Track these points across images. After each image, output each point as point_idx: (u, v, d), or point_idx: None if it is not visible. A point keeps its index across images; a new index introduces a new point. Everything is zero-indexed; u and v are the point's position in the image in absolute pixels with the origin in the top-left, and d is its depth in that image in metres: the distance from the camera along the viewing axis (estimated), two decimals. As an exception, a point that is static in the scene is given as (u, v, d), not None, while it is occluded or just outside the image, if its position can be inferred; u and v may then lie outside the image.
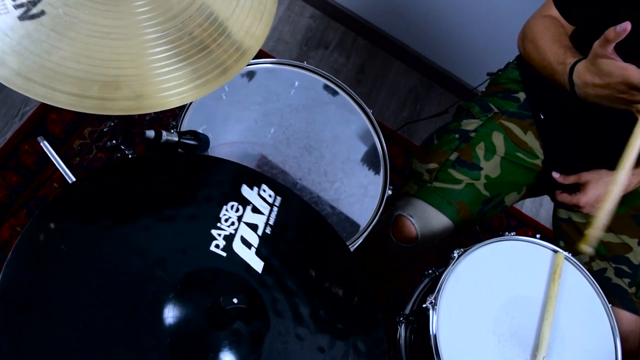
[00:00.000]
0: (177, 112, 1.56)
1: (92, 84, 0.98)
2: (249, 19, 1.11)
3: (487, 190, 1.64)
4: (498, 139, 1.66)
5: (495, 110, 1.70)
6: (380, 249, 1.75)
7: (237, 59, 1.08)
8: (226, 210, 1.21)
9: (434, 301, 1.37)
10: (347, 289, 1.28)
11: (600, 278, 1.58)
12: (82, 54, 0.98)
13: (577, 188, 1.61)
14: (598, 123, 1.63)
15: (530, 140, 1.68)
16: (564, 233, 1.72)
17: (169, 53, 1.01)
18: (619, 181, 1.33)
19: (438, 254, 2.35)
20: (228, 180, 1.27)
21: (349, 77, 2.76)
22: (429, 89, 2.90)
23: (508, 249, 1.50)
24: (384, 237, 1.68)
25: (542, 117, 1.68)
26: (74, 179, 1.22)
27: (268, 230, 1.24)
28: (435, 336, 1.34)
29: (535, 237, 1.53)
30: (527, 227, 2.67)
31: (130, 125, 1.49)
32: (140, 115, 2.18)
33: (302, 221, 1.34)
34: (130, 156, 1.52)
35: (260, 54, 1.84)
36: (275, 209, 1.28)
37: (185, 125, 1.53)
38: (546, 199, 2.76)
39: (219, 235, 1.17)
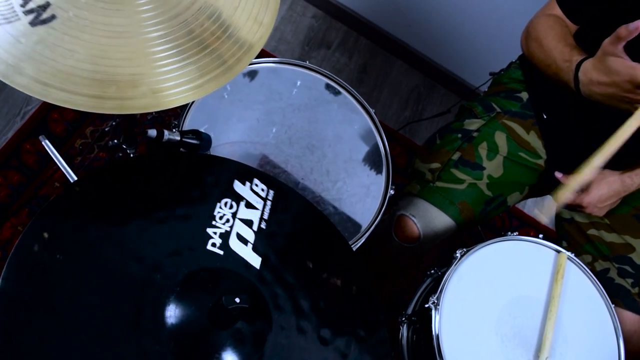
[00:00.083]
0: (179, 112, 1.56)
1: (110, 84, 0.98)
2: (251, 17, 1.10)
3: (490, 190, 1.64)
4: (501, 138, 1.65)
5: (498, 109, 1.69)
6: (382, 249, 1.74)
7: (240, 57, 1.08)
8: (220, 207, 1.21)
9: (436, 301, 1.37)
10: (345, 278, 1.28)
11: (603, 278, 1.57)
12: (98, 55, 0.98)
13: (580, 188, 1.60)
14: (600, 123, 1.62)
15: (533, 140, 1.68)
16: (566, 233, 1.72)
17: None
18: (595, 166, 1.33)
19: (440, 254, 2.35)
20: (220, 177, 1.26)
21: (351, 77, 2.76)
22: (431, 88, 2.89)
23: (511, 249, 1.50)
24: (386, 237, 1.68)
25: (545, 116, 1.68)
26: (75, 178, 1.22)
27: (263, 225, 1.24)
28: (437, 336, 1.33)
29: (537, 237, 1.53)
30: (529, 227, 2.66)
31: (132, 125, 1.49)
32: (141, 115, 2.18)
33: (296, 213, 1.34)
34: (132, 155, 1.52)
35: (262, 54, 1.84)
36: (268, 203, 1.28)
37: (187, 125, 1.52)
38: (549, 200, 2.76)
39: (215, 233, 1.16)
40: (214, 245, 1.15)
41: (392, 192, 1.60)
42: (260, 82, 1.65)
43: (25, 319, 0.92)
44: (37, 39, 0.96)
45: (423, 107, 2.83)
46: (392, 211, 1.71)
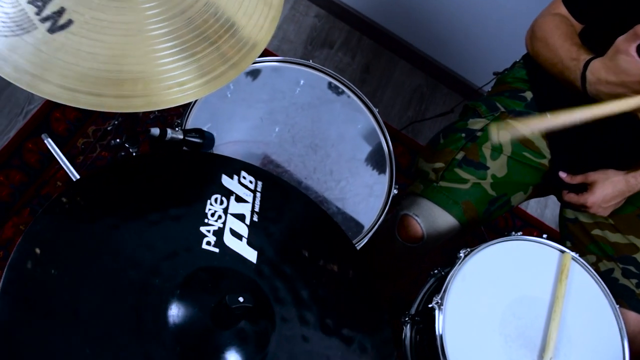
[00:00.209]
0: (181, 111, 1.56)
1: (136, 82, 0.97)
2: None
3: (494, 189, 1.63)
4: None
5: (502, 109, 1.69)
6: (385, 249, 1.74)
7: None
8: (211, 204, 1.19)
9: (440, 301, 1.36)
10: (341, 263, 1.28)
11: (607, 279, 1.56)
12: (120, 54, 0.98)
13: (584, 188, 1.60)
14: (605, 123, 1.62)
15: (537, 139, 1.67)
16: (570, 233, 1.71)
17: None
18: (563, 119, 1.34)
19: (443, 254, 2.34)
20: (207, 173, 1.25)
21: (354, 77, 2.75)
22: (434, 88, 2.89)
23: (515, 249, 1.49)
24: (389, 237, 1.67)
25: (549, 116, 1.67)
26: (78, 177, 1.22)
27: (255, 218, 1.23)
28: (441, 336, 1.33)
29: (542, 237, 1.52)
30: (532, 228, 2.66)
31: (134, 124, 1.48)
32: (144, 114, 2.17)
33: (287, 202, 1.33)
34: (134, 154, 1.51)
35: (265, 53, 1.83)
36: (258, 194, 1.27)
37: (190, 124, 1.52)
38: (551, 200, 2.76)
39: (209, 231, 1.15)
40: (208, 243, 1.13)
41: (395, 191, 1.59)
42: (264, 81, 1.64)
43: (27, 324, 0.91)
44: (57, 45, 0.95)
45: (426, 107, 2.83)
46: (396, 211, 1.70)
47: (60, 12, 0.96)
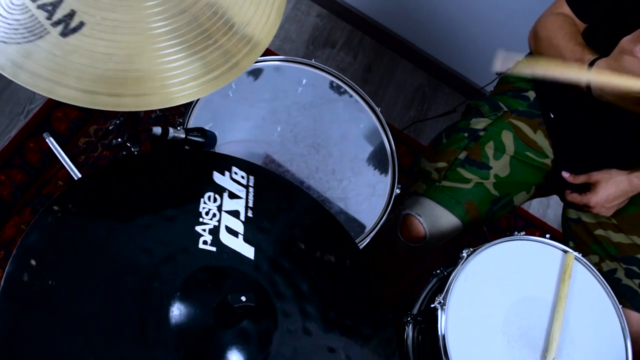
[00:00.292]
0: (183, 110, 1.55)
1: (155, 80, 0.97)
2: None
3: (496, 189, 1.63)
4: (507, 138, 1.64)
5: (505, 109, 1.68)
6: (387, 249, 1.73)
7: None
8: (204, 202, 1.18)
9: (442, 301, 1.36)
10: (338, 253, 1.28)
11: (610, 279, 1.56)
12: (135, 53, 0.98)
13: (587, 188, 1.60)
14: (608, 122, 1.62)
15: (540, 139, 1.67)
16: (573, 233, 1.71)
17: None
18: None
19: (444, 254, 2.34)
20: (198, 171, 1.24)
21: (356, 76, 2.75)
22: (436, 88, 2.88)
23: (517, 249, 1.49)
24: (391, 237, 1.67)
25: (552, 116, 1.66)
26: (79, 175, 1.21)
27: (250, 214, 1.22)
28: (443, 336, 1.33)
29: (544, 237, 1.52)
30: (534, 228, 2.65)
31: (136, 123, 1.48)
32: (145, 113, 2.17)
33: (280, 196, 1.33)
34: (135, 154, 1.51)
35: (267, 53, 1.83)
36: (251, 189, 1.26)
37: (192, 123, 1.51)
38: (553, 200, 2.75)
39: (204, 230, 1.14)
40: (205, 243, 1.13)
41: (398, 191, 1.59)
42: (266, 80, 1.64)
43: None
44: (71, 48, 0.95)
45: (428, 107, 2.82)
46: (398, 210, 1.70)
47: (71, 14, 0.96)
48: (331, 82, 1.69)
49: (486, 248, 1.45)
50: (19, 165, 2.14)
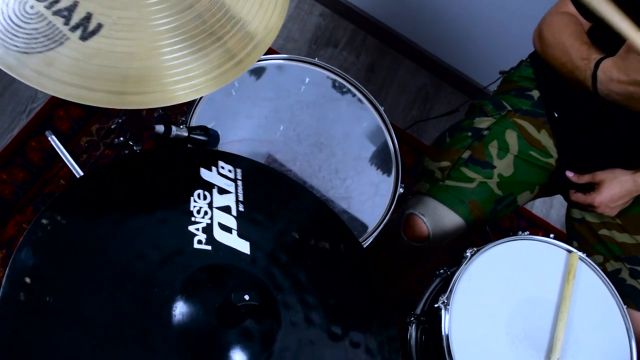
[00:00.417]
0: (185, 110, 1.55)
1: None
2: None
3: (500, 189, 1.62)
4: (511, 137, 1.64)
5: (509, 108, 1.68)
6: (390, 248, 1.73)
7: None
8: (194, 200, 1.16)
9: (446, 301, 1.35)
10: (332, 239, 1.28)
11: (614, 279, 1.56)
12: (152, 49, 0.97)
13: (591, 187, 1.59)
14: (613, 122, 1.61)
15: (544, 138, 1.66)
16: (577, 233, 1.70)
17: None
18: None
19: (447, 254, 2.33)
20: (184, 169, 1.22)
21: (359, 76, 2.74)
22: (439, 88, 2.88)
23: (521, 249, 1.48)
24: (395, 236, 1.66)
25: (556, 115, 1.66)
26: (81, 173, 1.21)
27: (241, 208, 1.21)
28: (447, 336, 1.32)
29: (549, 237, 1.51)
30: (537, 228, 2.65)
31: (138, 122, 1.48)
32: (148, 112, 2.17)
33: (268, 186, 1.32)
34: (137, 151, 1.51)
35: (269, 52, 1.83)
36: (239, 183, 1.25)
37: (195, 122, 1.51)
38: (557, 200, 2.75)
39: (197, 229, 1.12)
40: (200, 242, 1.11)
41: (401, 190, 1.58)
42: (269, 78, 1.63)
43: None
44: (92, 52, 0.94)
45: (430, 106, 2.81)
46: (401, 210, 1.69)
47: (87, 17, 0.95)
48: (334, 81, 1.68)
49: (490, 248, 1.45)
50: (20, 164, 2.13)
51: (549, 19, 1.60)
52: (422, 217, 1.60)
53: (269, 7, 1.10)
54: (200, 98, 1.54)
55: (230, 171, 1.26)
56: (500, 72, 1.89)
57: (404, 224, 1.64)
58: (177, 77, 0.98)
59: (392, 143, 1.64)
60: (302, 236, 1.24)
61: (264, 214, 1.23)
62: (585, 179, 1.60)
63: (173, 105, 1.06)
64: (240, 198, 1.22)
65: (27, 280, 0.93)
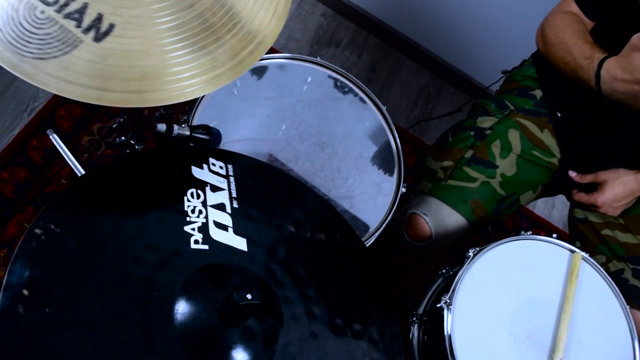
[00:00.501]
0: (187, 109, 1.54)
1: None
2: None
3: (503, 188, 1.62)
4: (514, 136, 1.63)
5: (511, 107, 1.67)
6: (393, 248, 1.72)
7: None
8: (188, 200, 1.15)
9: (448, 301, 1.35)
10: (327, 230, 1.27)
11: (617, 279, 1.55)
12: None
13: (594, 187, 1.59)
14: (616, 121, 1.61)
15: (547, 138, 1.66)
16: (580, 233, 1.70)
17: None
18: None
19: (449, 254, 2.33)
20: (176, 168, 1.21)
21: (360, 76, 2.74)
22: (441, 87, 2.87)
23: (524, 249, 1.48)
24: (397, 236, 1.66)
25: (559, 114, 1.65)
26: (83, 172, 1.20)
27: (235, 205, 1.20)
28: (450, 336, 1.32)
29: (551, 237, 1.51)
30: (539, 228, 2.64)
31: (140, 122, 1.47)
32: (149, 112, 2.16)
33: (262, 180, 1.31)
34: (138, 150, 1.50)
35: (271, 52, 1.81)
36: (232, 179, 1.24)
37: (197, 121, 1.51)
38: (559, 200, 2.74)
39: (193, 229, 1.12)
40: (197, 242, 1.10)
41: (403, 190, 1.57)
42: (271, 78, 1.63)
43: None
44: (106, 52, 0.94)
45: (432, 107, 2.81)
46: (404, 209, 1.69)
47: (99, 18, 0.94)
48: (336, 80, 1.68)
49: (493, 247, 1.44)
50: (22, 163, 2.13)
51: (552, 18, 1.59)
52: (424, 216, 1.59)
53: (270, 6, 1.10)
54: (202, 97, 1.53)
55: (222, 167, 1.25)
56: (503, 72, 1.89)
57: (406, 223, 1.63)
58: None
59: (394, 142, 1.64)
60: (298, 229, 1.24)
61: (258, 209, 1.23)
62: (588, 178, 1.59)
63: (174, 105, 1.06)
64: (234, 194, 1.22)
65: (25, 292, 0.92)
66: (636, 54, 1.32)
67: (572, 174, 1.62)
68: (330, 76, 1.68)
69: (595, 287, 1.48)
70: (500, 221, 1.77)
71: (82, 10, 0.94)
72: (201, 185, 1.19)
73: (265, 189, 1.30)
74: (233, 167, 1.26)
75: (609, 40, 1.43)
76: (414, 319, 1.52)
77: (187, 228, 1.11)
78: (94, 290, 0.97)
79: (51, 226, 1.00)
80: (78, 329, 0.93)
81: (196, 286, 1.04)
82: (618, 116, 1.58)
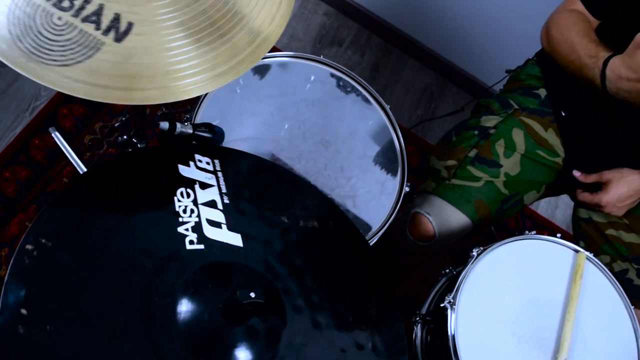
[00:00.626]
0: (189, 108, 1.54)
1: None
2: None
3: (507, 188, 1.61)
4: (518, 136, 1.62)
5: (516, 106, 1.66)
6: (396, 247, 1.72)
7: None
8: (178, 200, 1.14)
9: (452, 300, 1.34)
10: (319, 217, 1.27)
11: (621, 279, 1.55)
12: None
13: (599, 187, 1.58)
14: (620, 121, 1.60)
15: (551, 137, 1.65)
16: (584, 233, 1.69)
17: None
18: None
19: (452, 254, 2.33)
20: (162, 168, 1.19)
21: (363, 75, 2.72)
22: (444, 87, 2.87)
23: (528, 249, 1.47)
24: (400, 235, 1.65)
25: (563, 114, 1.65)
26: (85, 170, 1.20)
27: (227, 200, 1.19)
28: (453, 336, 1.31)
29: (555, 237, 1.50)
30: (542, 228, 2.63)
31: (142, 120, 1.46)
32: (151, 110, 2.16)
33: (249, 172, 1.30)
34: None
35: (274, 51, 1.81)
36: (220, 174, 1.23)
37: (199, 119, 1.50)
38: (562, 200, 2.73)
39: (187, 230, 1.10)
40: (192, 242, 1.09)
41: (407, 189, 1.57)
42: (274, 76, 1.63)
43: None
44: (128, 52, 0.94)
45: (435, 106, 2.81)
46: (407, 209, 1.68)
47: (117, 18, 0.94)
48: (339, 79, 1.67)
49: (496, 247, 1.43)
50: (24, 162, 2.13)
51: (557, 17, 1.58)
52: (428, 216, 1.59)
53: (274, 3, 1.09)
54: (205, 96, 1.53)
55: (208, 163, 1.24)
56: (507, 71, 1.88)
57: (410, 223, 1.63)
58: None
59: (398, 141, 1.63)
60: (291, 219, 1.23)
61: (249, 203, 1.22)
62: (592, 178, 1.58)
63: (177, 103, 1.05)
64: (224, 190, 1.21)
65: (23, 311, 0.90)
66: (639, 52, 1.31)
67: (577, 173, 1.61)
68: (333, 75, 1.68)
69: (599, 287, 1.47)
70: (503, 221, 1.76)
71: (99, 12, 0.94)
72: (190, 183, 1.18)
73: (254, 181, 1.29)
74: (220, 162, 1.25)
75: (614, 38, 1.42)
76: (417, 319, 1.51)
77: (180, 229, 1.10)
78: (93, 302, 0.96)
79: (42, 240, 0.98)
80: (82, 344, 0.92)
81: (196, 288, 1.04)
82: (623, 115, 1.57)
